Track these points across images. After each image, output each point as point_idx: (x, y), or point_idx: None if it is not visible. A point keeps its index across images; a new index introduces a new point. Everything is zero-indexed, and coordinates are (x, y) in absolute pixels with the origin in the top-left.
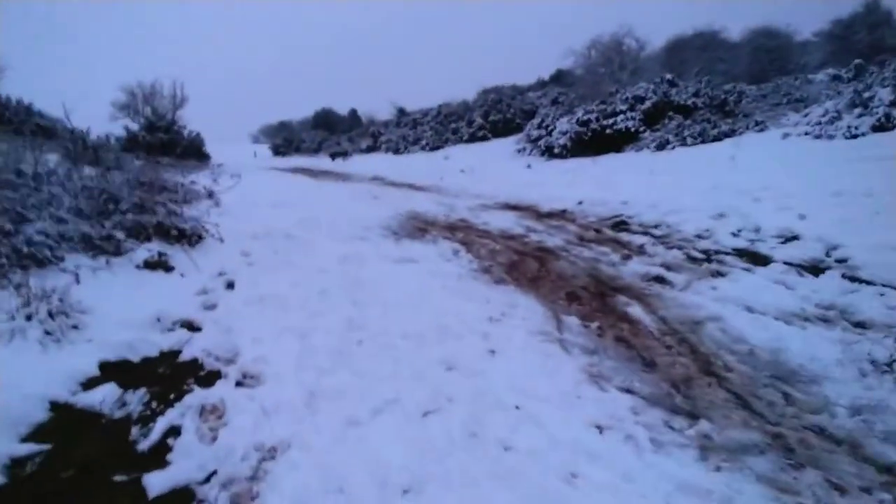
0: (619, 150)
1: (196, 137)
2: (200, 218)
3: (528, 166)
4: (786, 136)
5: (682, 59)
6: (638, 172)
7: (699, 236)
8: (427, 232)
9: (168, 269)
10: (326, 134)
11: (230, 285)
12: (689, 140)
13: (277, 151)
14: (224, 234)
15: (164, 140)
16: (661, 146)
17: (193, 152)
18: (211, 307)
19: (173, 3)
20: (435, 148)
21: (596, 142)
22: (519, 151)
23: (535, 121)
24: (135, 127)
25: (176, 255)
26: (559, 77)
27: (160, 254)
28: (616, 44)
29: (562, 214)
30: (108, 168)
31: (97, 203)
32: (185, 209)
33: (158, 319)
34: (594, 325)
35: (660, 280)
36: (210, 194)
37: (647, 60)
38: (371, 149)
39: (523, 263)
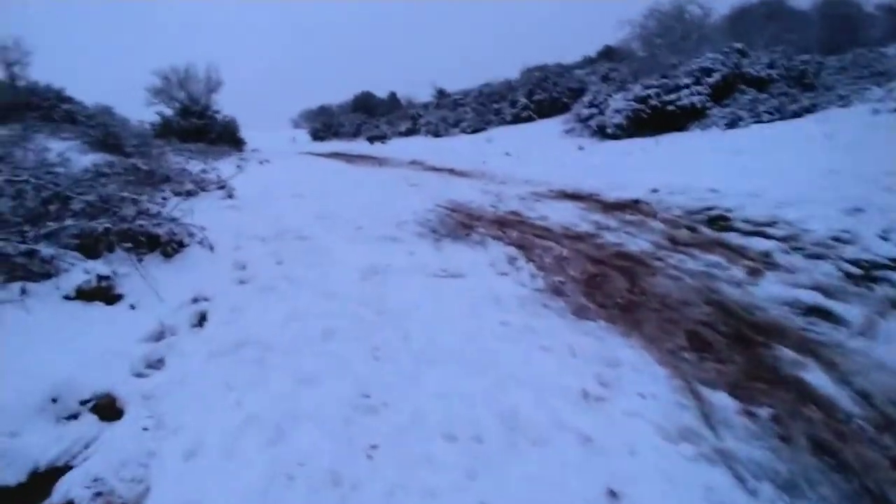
0: (682, 128)
1: (230, 122)
2: (186, 217)
3: (581, 148)
4: (876, 111)
5: (746, 30)
6: (716, 152)
7: (838, 239)
8: (473, 229)
9: (111, 298)
10: (365, 117)
11: (201, 321)
12: (764, 116)
13: (316, 136)
14: (221, 237)
15: (197, 125)
16: (732, 123)
17: (227, 138)
18: (155, 366)
19: None
20: (476, 130)
21: (656, 120)
22: (567, 132)
23: (585, 99)
24: (169, 112)
25: (129, 276)
26: (608, 53)
27: (101, 277)
28: (678, 10)
29: (635, 206)
30: (126, 154)
31: (34, 203)
32: (176, 205)
33: (55, 400)
34: (763, 410)
35: (823, 314)
36: (222, 186)
37: (710, 30)
38: (410, 132)
39: (606, 279)
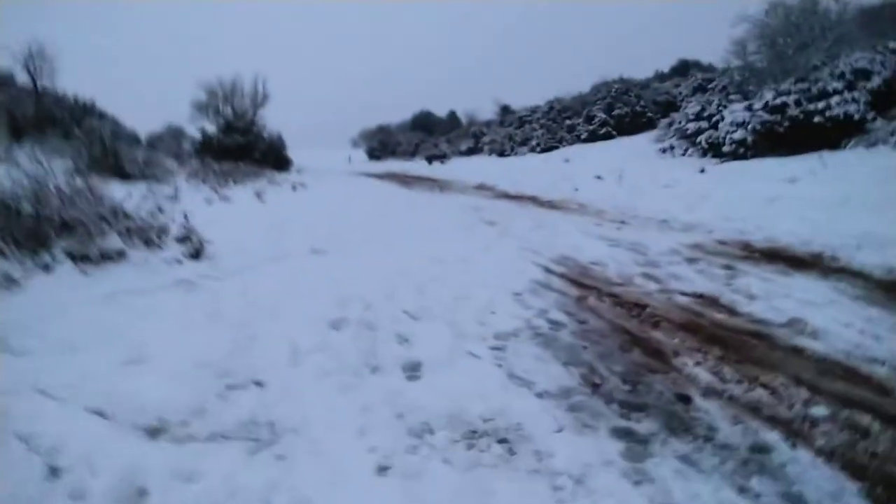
0: (833, 145)
1: (276, 140)
2: None
3: (702, 171)
4: None
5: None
6: None
7: None
8: (667, 362)
9: None
10: (424, 136)
11: None
12: None
13: (372, 155)
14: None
15: (240, 143)
16: None
17: (273, 157)
18: None
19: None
20: (547, 149)
21: (794, 134)
22: (663, 151)
23: (689, 111)
24: (212, 129)
25: None
26: (683, 68)
27: None
28: (811, 3)
29: None
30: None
31: None
32: None
33: None
34: None
35: None
36: (184, 238)
37: (847, 28)
38: (472, 151)
39: None
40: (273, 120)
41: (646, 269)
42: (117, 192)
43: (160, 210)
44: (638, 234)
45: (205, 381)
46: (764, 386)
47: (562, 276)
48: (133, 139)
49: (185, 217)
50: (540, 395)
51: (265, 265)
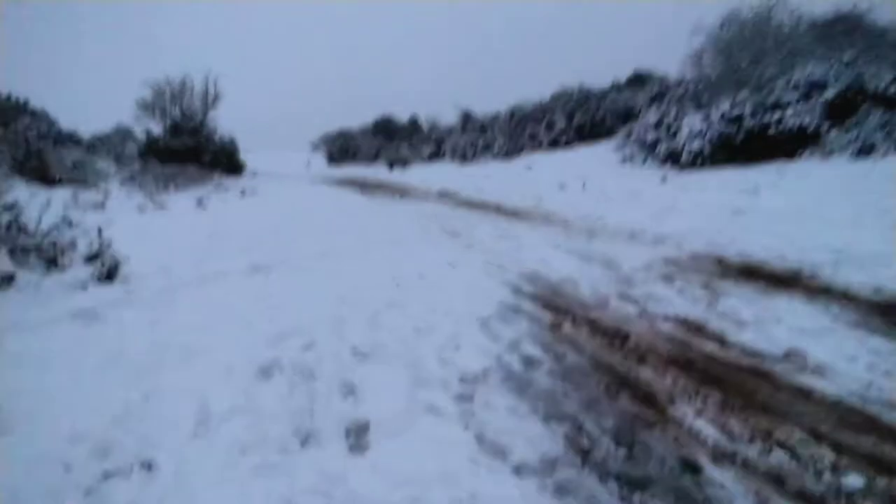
0: (789, 156)
1: (228, 143)
2: None
3: (664, 180)
4: None
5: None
6: None
7: None
8: (661, 406)
9: None
10: (385, 141)
11: None
12: None
13: (332, 159)
14: None
15: (188, 145)
16: (863, 151)
17: (224, 160)
18: None
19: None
20: (509, 155)
21: (751, 145)
22: (623, 160)
23: (648, 120)
24: (158, 130)
25: None
26: (638, 79)
27: None
28: (764, 16)
29: None
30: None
31: None
32: None
33: None
34: None
35: None
36: (94, 256)
37: (800, 42)
38: (434, 156)
39: None
40: (226, 122)
41: (621, 287)
42: (37, 197)
43: (68, 223)
44: (608, 246)
45: (75, 465)
46: (781, 445)
47: (532, 296)
48: (72, 140)
49: (99, 231)
50: (518, 471)
51: (191, 287)
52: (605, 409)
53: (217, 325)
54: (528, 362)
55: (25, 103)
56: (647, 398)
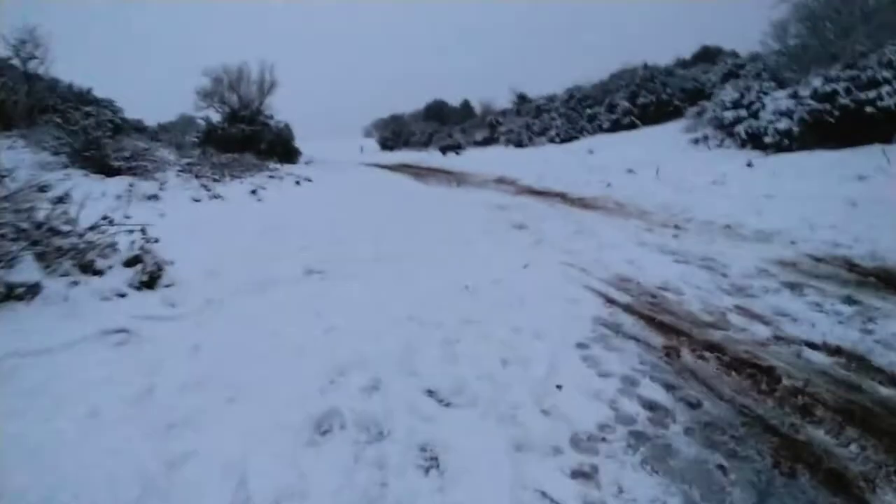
0: (886, 139)
1: (284, 130)
2: None
3: (749, 164)
4: None
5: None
6: None
7: None
8: (861, 497)
9: None
10: (437, 126)
11: None
12: None
13: (385, 145)
14: None
15: (245, 133)
16: None
17: (280, 148)
18: None
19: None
20: (568, 139)
21: (845, 126)
22: (696, 142)
23: (725, 98)
24: (217, 118)
25: None
26: (706, 55)
27: None
28: None
29: None
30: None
31: None
32: None
33: None
34: None
35: None
36: (135, 259)
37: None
38: (488, 141)
39: None
40: (282, 109)
41: (737, 298)
42: (92, 189)
43: (109, 221)
44: (703, 244)
45: None
46: None
47: (630, 309)
48: (136, 128)
49: (143, 230)
50: None
51: (241, 297)
52: (783, 496)
53: (266, 352)
54: (655, 413)
55: (89, 91)
56: (835, 480)
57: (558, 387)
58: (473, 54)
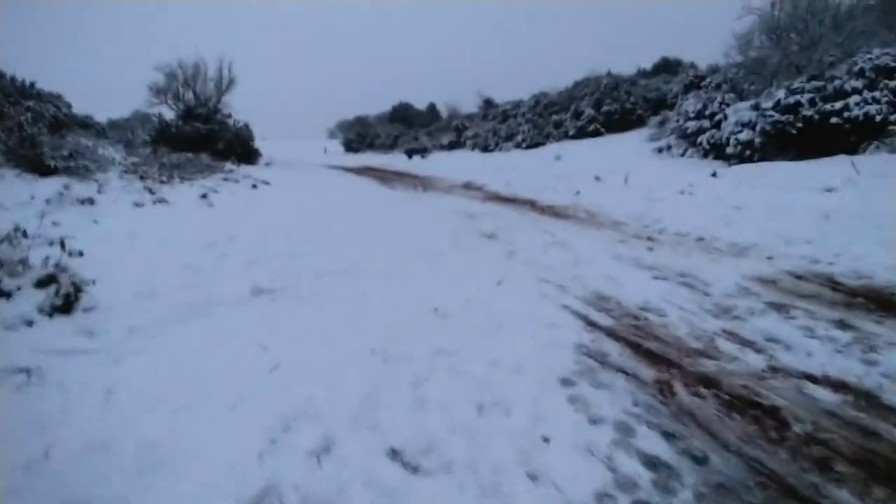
0: (851, 149)
1: (243, 129)
2: None
3: (714, 174)
4: None
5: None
6: None
7: None
8: None
9: None
10: (403, 128)
11: None
12: None
13: (349, 147)
14: None
15: (201, 131)
16: None
17: (239, 148)
18: None
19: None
20: (534, 145)
21: (808, 137)
22: (659, 150)
23: (689, 108)
24: (171, 115)
25: None
26: (666, 66)
27: None
28: None
29: None
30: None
31: None
32: None
33: None
34: None
35: None
36: (50, 278)
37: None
38: (454, 145)
39: None
40: (242, 109)
41: (723, 322)
42: (23, 192)
43: (22, 233)
44: (679, 257)
45: None
46: None
47: (614, 335)
48: (84, 124)
49: (62, 243)
50: None
51: (173, 325)
52: None
53: (197, 402)
54: (659, 473)
55: (32, 85)
56: None
57: (545, 440)
58: (441, 55)
